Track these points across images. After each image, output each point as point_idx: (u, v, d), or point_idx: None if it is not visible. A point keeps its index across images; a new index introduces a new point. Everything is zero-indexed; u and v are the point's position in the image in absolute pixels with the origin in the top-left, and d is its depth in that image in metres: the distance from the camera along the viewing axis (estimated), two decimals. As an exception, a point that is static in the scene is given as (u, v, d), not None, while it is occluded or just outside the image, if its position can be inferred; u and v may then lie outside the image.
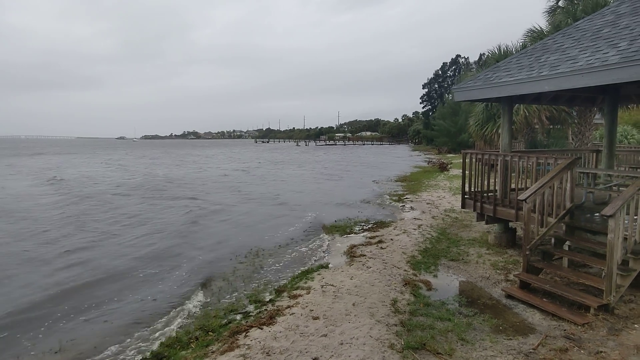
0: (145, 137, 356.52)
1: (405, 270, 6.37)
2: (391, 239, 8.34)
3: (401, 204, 13.15)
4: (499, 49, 18.10)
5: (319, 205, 13.91)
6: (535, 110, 18.01)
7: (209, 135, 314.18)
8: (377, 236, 8.73)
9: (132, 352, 4.47)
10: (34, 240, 9.36)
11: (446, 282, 5.97)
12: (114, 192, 17.44)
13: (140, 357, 4.31)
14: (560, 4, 16.23)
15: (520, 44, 16.67)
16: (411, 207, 12.47)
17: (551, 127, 22.85)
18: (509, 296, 5.25)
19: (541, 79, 5.99)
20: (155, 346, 4.53)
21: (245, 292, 6.02)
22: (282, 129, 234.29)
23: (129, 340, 4.74)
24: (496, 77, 7.03)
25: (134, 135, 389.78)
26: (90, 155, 53.49)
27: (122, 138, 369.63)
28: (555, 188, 5.90)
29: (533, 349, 3.91)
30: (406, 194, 15.58)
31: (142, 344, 4.63)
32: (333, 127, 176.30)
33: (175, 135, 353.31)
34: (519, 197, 6.03)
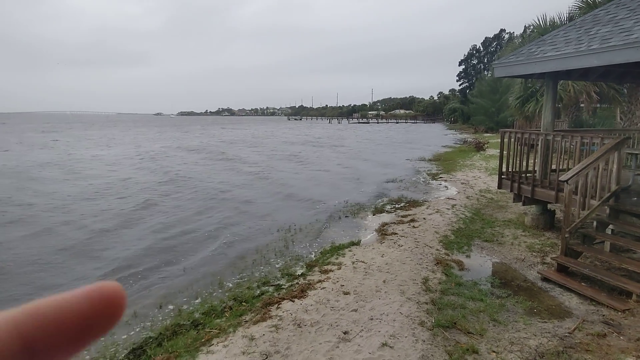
0: (182, 114, 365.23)
1: (437, 250, 6.32)
2: (424, 218, 8.26)
3: (435, 183, 12.92)
4: (545, 21, 16.98)
5: (350, 182, 13.91)
6: (585, 86, 17.01)
7: (243, 112, 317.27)
8: (409, 215, 8.67)
9: (166, 319, 4.71)
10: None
11: (479, 263, 5.89)
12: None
13: (177, 322, 4.52)
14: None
15: (568, 16, 15.61)
16: (445, 186, 12.24)
17: (598, 106, 21.53)
18: (545, 279, 5.13)
19: (590, 53, 5.63)
20: (196, 315, 4.71)
21: (278, 266, 6.19)
22: (314, 107, 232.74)
23: (165, 309, 4.96)
24: (540, 52, 6.66)
25: (170, 111, 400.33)
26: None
27: (159, 114, 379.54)
28: (600, 169, 5.61)
29: (569, 332, 3.83)
30: (440, 173, 15.27)
31: (181, 311, 4.87)
32: (366, 105, 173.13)
33: (210, 112, 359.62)
34: (560, 178, 5.79)
